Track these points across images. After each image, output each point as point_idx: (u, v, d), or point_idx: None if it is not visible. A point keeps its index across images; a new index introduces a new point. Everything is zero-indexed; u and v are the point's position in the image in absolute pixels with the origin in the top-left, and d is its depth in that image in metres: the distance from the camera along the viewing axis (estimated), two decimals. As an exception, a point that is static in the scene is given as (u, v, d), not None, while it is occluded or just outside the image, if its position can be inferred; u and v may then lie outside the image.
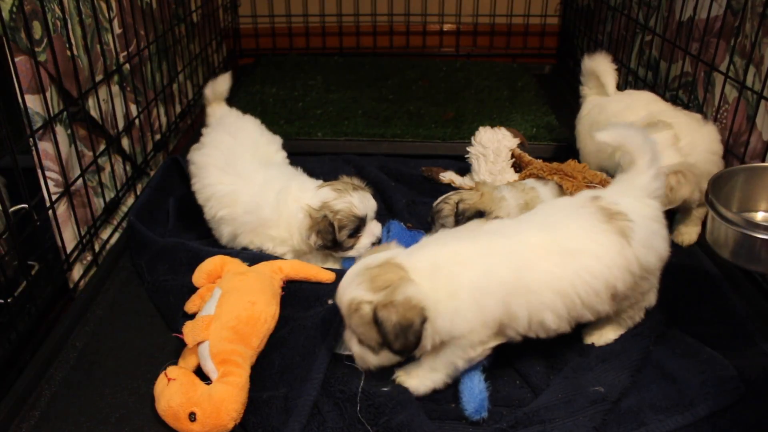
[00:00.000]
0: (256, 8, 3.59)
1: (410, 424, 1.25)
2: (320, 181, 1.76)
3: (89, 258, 1.84)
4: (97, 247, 1.88)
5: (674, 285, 1.66)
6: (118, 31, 2.03)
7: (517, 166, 2.13)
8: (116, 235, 1.98)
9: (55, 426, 1.34)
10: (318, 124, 2.62)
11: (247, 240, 1.76)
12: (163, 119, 2.48)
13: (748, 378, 1.37)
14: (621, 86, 2.17)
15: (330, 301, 1.53)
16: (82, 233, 1.80)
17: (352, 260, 1.67)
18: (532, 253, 1.29)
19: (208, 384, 1.33)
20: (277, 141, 1.96)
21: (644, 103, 1.96)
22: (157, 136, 2.40)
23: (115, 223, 2.02)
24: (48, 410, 1.38)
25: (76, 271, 1.77)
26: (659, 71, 2.39)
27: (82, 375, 1.47)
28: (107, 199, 1.97)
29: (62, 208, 1.70)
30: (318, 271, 1.65)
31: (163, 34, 2.45)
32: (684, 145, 1.75)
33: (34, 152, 1.57)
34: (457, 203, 1.74)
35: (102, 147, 1.95)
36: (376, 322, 1.21)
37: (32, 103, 1.56)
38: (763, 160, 1.72)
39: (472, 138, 2.16)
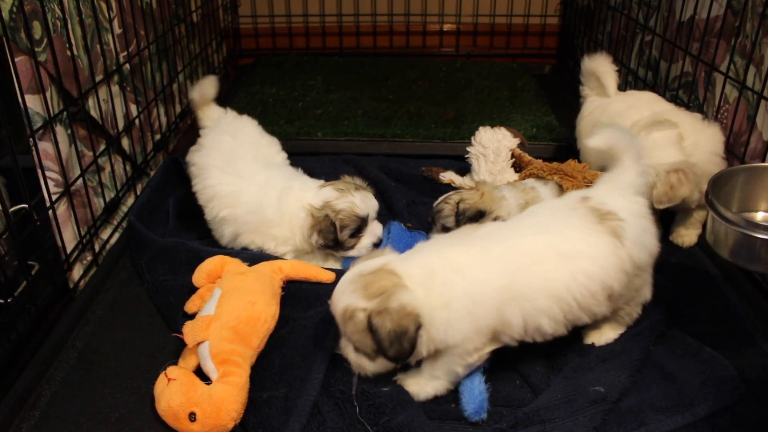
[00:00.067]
0: (256, 8, 3.59)
1: (410, 424, 1.25)
2: (322, 181, 1.76)
3: (89, 258, 1.84)
4: (97, 247, 1.88)
5: (674, 285, 1.66)
6: (118, 31, 2.03)
7: (517, 166, 2.13)
8: (116, 235, 1.98)
9: (55, 426, 1.34)
10: (318, 124, 2.62)
11: (249, 240, 1.76)
12: (163, 119, 2.48)
13: (748, 378, 1.37)
14: (621, 86, 2.17)
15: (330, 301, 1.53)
16: (82, 233, 1.80)
17: (352, 260, 1.67)
18: (527, 258, 1.28)
19: (208, 384, 1.33)
20: (276, 142, 1.96)
21: (647, 103, 1.96)
22: (157, 136, 2.40)
23: (115, 223, 2.02)
24: (48, 410, 1.38)
25: (76, 271, 1.77)
26: (659, 71, 2.39)
27: (82, 375, 1.47)
28: (107, 199, 1.97)
29: (62, 208, 1.70)
30: (318, 271, 1.65)
31: (163, 34, 2.45)
32: (687, 145, 1.75)
33: (34, 152, 1.57)
34: (458, 203, 1.74)
35: (102, 147, 1.95)
36: (371, 329, 1.20)
37: (32, 103, 1.56)
38: (763, 160, 1.72)
39: (472, 138, 2.16)
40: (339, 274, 1.64)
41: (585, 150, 2.09)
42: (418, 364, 1.34)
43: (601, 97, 2.12)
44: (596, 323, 1.47)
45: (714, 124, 1.83)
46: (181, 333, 1.38)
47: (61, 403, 1.40)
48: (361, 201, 1.70)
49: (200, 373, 1.37)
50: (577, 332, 1.45)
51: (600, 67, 2.10)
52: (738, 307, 1.61)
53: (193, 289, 1.58)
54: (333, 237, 1.67)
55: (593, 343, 1.48)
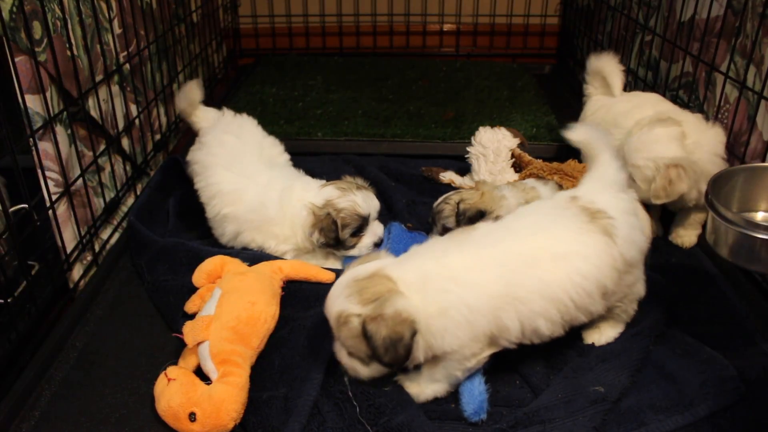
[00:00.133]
0: (256, 8, 3.59)
1: (410, 424, 1.25)
2: (324, 181, 1.76)
3: (89, 258, 1.84)
4: (97, 247, 1.88)
5: (674, 285, 1.66)
6: (118, 31, 2.03)
7: (517, 166, 2.13)
8: (116, 235, 1.98)
9: (55, 426, 1.34)
10: (318, 124, 2.62)
11: (250, 238, 1.77)
12: (163, 119, 2.48)
13: (748, 378, 1.37)
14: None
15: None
16: (82, 233, 1.80)
17: (353, 259, 1.67)
18: (521, 261, 1.28)
19: (208, 384, 1.33)
20: (279, 144, 1.96)
21: (652, 103, 1.96)
22: (157, 136, 2.40)
23: (115, 223, 2.02)
24: (48, 410, 1.38)
25: (76, 271, 1.77)
26: (659, 71, 2.39)
27: (82, 375, 1.47)
28: (107, 199, 1.97)
29: (62, 208, 1.70)
30: (318, 271, 1.65)
31: (163, 34, 2.44)
32: (689, 144, 1.75)
33: (34, 152, 1.57)
34: (458, 203, 1.74)
35: (102, 147, 1.95)
36: (366, 335, 1.20)
37: (32, 103, 1.56)
38: (763, 160, 1.72)
39: (472, 138, 2.17)
40: (339, 273, 1.64)
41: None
42: (417, 367, 1.34)
43: (605, 96, 2.13)
44: (595, 323, 1.47)
45: (716, 125, 1.83)
46: (181, 333, 1.38)
47: (61, 403, 1.40)
48: (362, 200, 1.70)
49: (200, 373, 1.36)
50: (576, 332, 1.45)
51: (606, 67, 2.10)
52: (738, 307, 1.61)
53: (193, 289, 1.58)
54: (334, 235, 1.67)
55: (593, 343, 1.48)
